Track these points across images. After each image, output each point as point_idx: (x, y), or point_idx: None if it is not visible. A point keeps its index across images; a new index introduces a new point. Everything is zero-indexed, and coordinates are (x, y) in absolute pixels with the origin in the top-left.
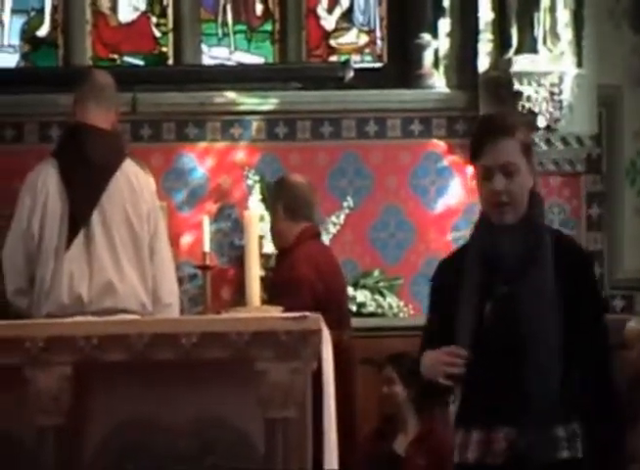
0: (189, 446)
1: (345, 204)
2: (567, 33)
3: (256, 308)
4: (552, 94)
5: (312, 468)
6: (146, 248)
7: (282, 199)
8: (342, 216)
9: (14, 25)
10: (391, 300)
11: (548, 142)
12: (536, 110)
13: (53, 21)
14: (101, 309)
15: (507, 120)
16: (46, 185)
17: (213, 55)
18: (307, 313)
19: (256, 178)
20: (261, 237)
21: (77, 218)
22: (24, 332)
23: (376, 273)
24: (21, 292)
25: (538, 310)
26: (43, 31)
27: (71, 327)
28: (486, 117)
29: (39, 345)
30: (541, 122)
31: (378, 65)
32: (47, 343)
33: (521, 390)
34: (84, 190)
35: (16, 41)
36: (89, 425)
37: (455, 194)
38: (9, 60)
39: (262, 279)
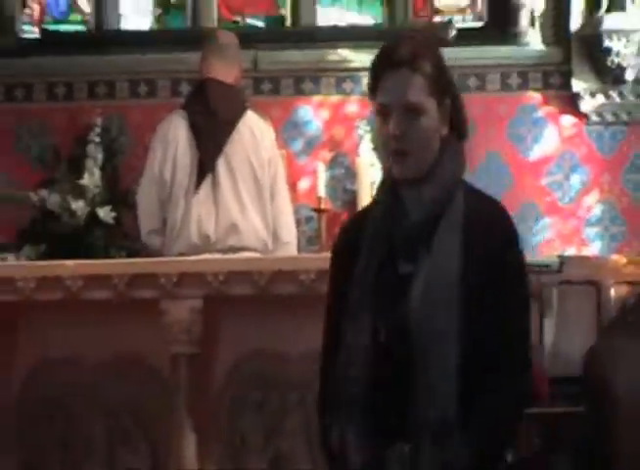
0: (313, 375)
1: None
2: None
3: None
4: None
5: None
6: (267, 191)
7: None
8: None
9: None
10: None
11: (638, 96)
12: (625, 64)
13: None
14: (226, 247)
15: (409, 48)
16: (176, 135)
17: (328, 16)
18: None
19: (367, 129)
20: (372, 183)
21: (205, 165)
22: (159, 269)
23: None
24: (154, 232)
25: (441, 294)
26: None
27: (201, 264)
28: (387, 45)
29: (173, 280)
30: (629, 76)
31: (478, 24)
32: (179, 278)
33: (414, 398)
34: (210, 139)
35: (149, 6)
36: (219, 354)
37: (549, 142)
38: (143, 22)
39: None
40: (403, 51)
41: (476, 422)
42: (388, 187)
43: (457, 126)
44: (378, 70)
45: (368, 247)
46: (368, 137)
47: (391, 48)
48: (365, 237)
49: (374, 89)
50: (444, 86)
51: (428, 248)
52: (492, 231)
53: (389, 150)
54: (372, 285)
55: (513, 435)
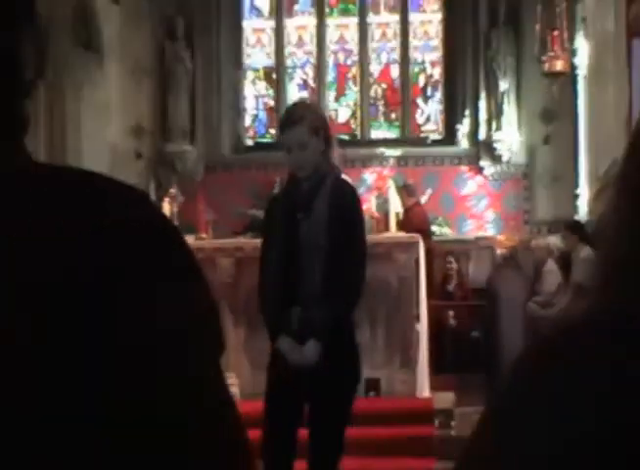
0: None
1: None
2: None
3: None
4: None
5: None
6: None
7: None
8: None
9: None
10: None
11: (509, 169)
12: (503, 155)
13: None
14: None
15: (297, 112)
16: None
17: (377, 132)
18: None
19: (392, 183)
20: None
21: None
22: None
23: None
24: None
25: (317, 229)
26: None
27: None
28: (286, 110)
29: None
30: (505, 159)
31: (440, 137)
32: None
33: (302, 281)
34: None
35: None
36: None
37: (471, 187)
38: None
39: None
40: (294, 114)
41: (330, 291)
42: (292, 180)
43: (328, 142)
44: (282, 125)
45: (282, 207)
46: (392, 188)
47: (287, 112)
48: (281, 203)
49: (281, 134)
50: (319, 128)
51: (311, 206)
52: (344, 199)
53: (291, 167)
54: (284, 224)
55: (358, 295)
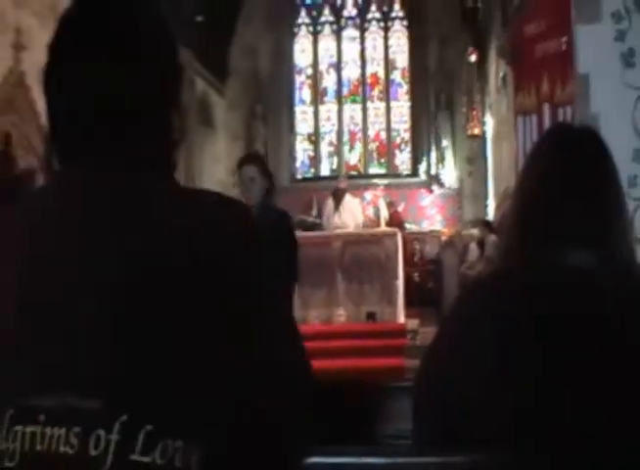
0: None
1: None
2: None
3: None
4: None
5: None
6: None
7: None
8: None
9: None
10: None
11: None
12: (444, 182)
13: None
14: None
15: (251, 155)
16: None
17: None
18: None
19: (383, 202)
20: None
21: None
22: None
23: None
24: None
25: None
26: None
27: None
28: (246, 154)
29: None
30: (447, 185)
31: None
32: None
33: None
34: None
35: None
36: None
37: (427, 200)
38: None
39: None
40: (249, 156)
41: None
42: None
43: (270, 185)
44: (239, 165)
45: None
46: (382, 202)
47: (246, 155)
48: None
49: (239, 171)
50: (266, 170)
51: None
52: (282, 222)
53: (244, 198)
54: None
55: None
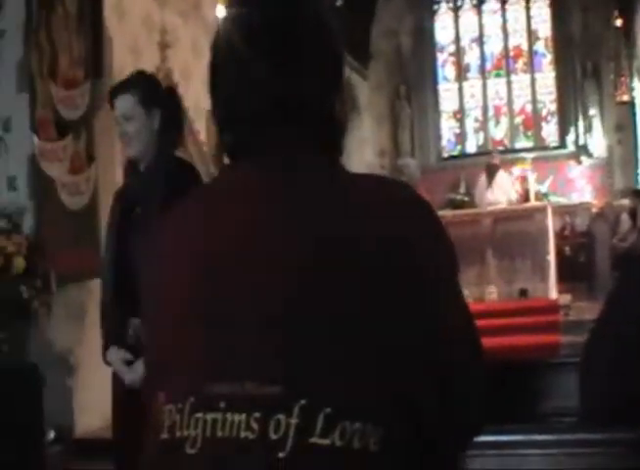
0: None
1: None
2: None
3: None
4: None
5: None
6: None
7: None
8: None
9: None
10: None
11: None
12: None
13: None
14: None
15: (127, 80)
16: None
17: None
18: None
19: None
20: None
21: None
22: None
23: None
24: None
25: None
26: None
27: None
28: (120, 81)
29: None
30: None
31: None
32: None
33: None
34: None
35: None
36: None
37: None
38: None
39: None
40: (123, 82)
41: None
42: (131, 167)
43: (171, 124)
44: (110, 94)
45: (119, 202)
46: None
47: (119, 81)
48: (118, 197)
49: (111, 106)
50: (149, 99)
51: (147, 198)
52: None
53: (121, 141)
54: (116, 223)
55: None
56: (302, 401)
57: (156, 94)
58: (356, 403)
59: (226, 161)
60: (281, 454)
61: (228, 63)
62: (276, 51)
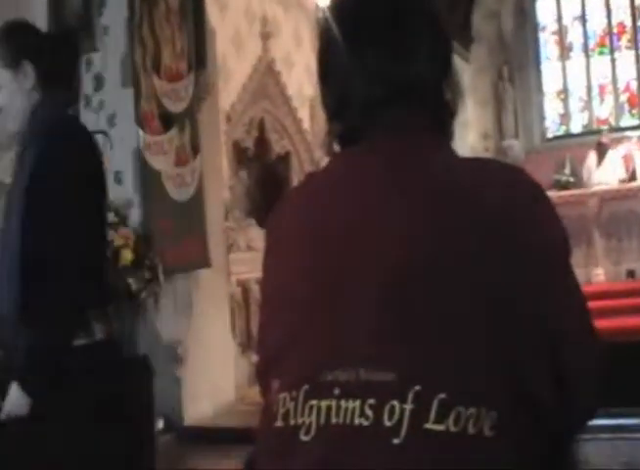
0: None
1: None
2: None
3: None
4: None
5: None
6: None
7: None
8: None
9: None
10: None
11: None
12: None
13: None
14: None
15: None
16: None
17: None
18: None
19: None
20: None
21: None
22: None
23: None
24: None
25: (9, 211)
26: None
27: None
28: None
29: None
30: None
31: None
32: None
33: None
34: None
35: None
36: None
37: None
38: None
39: None
40: None
41: (32, 307)
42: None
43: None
44: None
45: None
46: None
47: None
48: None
49: None
50: (16, 60)
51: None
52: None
53: None
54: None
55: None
56: (417, 387)
57: (24, 48)
58: (470, 389)
59: (336, 149)
60: (396, 440)
61: (339, 50)
62: (387, 37)
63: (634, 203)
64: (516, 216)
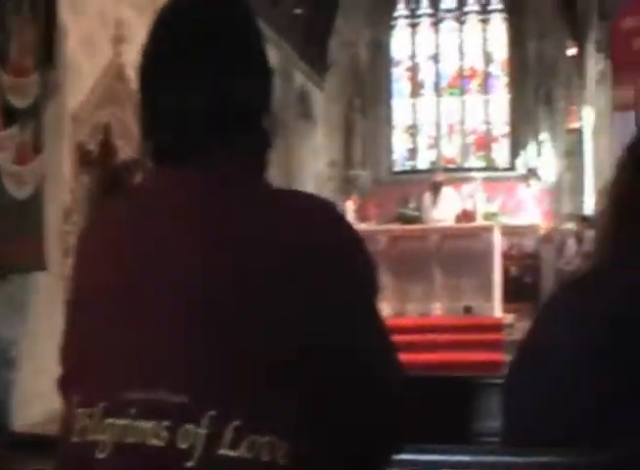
0: None
1: None
2: None
3: None
4: None
5: None
6: None
7: None
8: None
9: None
10: None
11: None
12: None
13: None
14: None
15: None
16: None
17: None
18: None
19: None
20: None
21: None
22: None
23: None
24: None
25: None
26: None
27: None
28: None
29: None
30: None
31: None
32: None
33: None
34: None
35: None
36: None
37: None
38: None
39: None
40: None
41: None
42: None
43: None
44: None
45: None
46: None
47: None
48: None
49: None
50: None
51: None
52: None
53: None
54: None
55: None
56: (212, 413)
57: None
58: (265, 417)
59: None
60: (189, 464)
61: (155, 65)
62: (201, 55)
63: (474, 242)
64: (318, 254)
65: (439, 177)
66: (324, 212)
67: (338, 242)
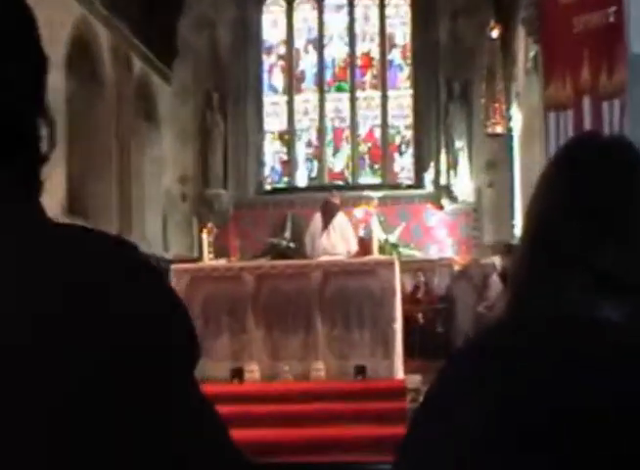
0: None
1: None
2: None
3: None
4: None
5: None
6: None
7: None
8: None
9: None
10: None
11: None
12: None
13: None
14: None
15: None
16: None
17: (365, 179)
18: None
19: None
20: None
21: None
22: None
23: None
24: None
25: None
26: None
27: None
28: None
29: None
30: None
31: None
32: None
33: None
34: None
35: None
36: None
37: None
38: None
39: None
40: None
41: None
42: None
43: None
44: None
45: None
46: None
47: None
48: None
49: None
50: None
51: None
52: None
53: None
54: None
55: None
56: None
57: None
58: None
59: None
60: None
61: None
62: None
63: (369, 281)
64: (108, 316)
65: (335, 199)
66: (114, 269)
67: (141, 306)
